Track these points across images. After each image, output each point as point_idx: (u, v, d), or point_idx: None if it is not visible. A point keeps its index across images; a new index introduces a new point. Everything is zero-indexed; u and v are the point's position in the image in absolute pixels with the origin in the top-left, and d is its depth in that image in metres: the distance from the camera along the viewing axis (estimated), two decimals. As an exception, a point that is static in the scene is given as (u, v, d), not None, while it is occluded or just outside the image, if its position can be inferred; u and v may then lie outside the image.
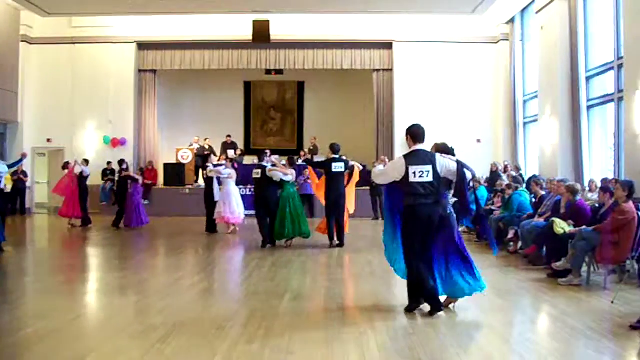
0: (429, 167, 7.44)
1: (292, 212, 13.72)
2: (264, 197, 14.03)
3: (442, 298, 7.68)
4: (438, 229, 7.55)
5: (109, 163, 22.73)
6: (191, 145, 24.11)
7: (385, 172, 7.98)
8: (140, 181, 18.91)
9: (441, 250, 7.69)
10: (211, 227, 16.66)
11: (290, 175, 13.97)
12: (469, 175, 7.65)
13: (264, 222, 13.96)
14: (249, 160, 23.76)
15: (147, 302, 8.58)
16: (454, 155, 7.90)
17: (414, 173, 7.44)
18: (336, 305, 8.09)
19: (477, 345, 6.49)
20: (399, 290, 8.35)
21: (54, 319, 7.24)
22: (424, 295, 7.58)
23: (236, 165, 18.98)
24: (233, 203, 16.43)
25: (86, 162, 19.27)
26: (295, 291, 9.28)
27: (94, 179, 20.94)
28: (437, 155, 7.62)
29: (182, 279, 10.59)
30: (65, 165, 19.43)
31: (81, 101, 23.77)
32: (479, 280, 7.68)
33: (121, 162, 18.86)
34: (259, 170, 14.08)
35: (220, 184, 16.52)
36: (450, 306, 7.77)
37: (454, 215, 7.78)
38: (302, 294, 9.15)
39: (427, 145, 7.78)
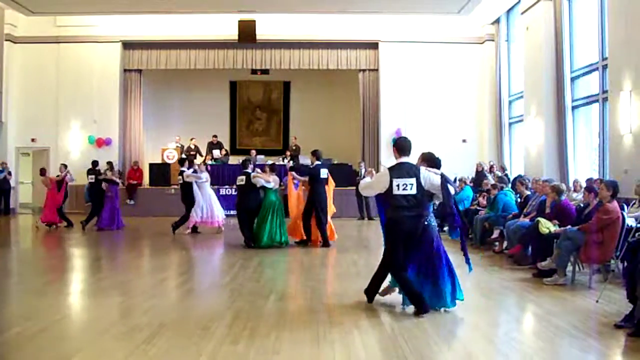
0: (413, 180, 7.55)
1: (271, 222, 13.81)
2: (247, 203, 14.16)
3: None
4: (420, 240, 7.66)
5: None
6: (176, 145, 23.96)
7: (371, 185, 8.14)
8: (119, 184, 18.84)
9: (419, 261, 7.74)
10: (178, 226, 16.52)
11: (272, 182, 14.10)
12: (452, 190, 7.76)
13: (245, 225, 14.09)
14: (234, 160, 23.71)
15: (132, 302, 8.53)
16: (439, 166, 8.00)
17: (398, 186, 7.55)
18: (322, 305, 8.08)
19: (463, 345, 6.51)
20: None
21: (40, 320, 7.20)
22: (410, 299, 7.65)
23: (209, 168, 18.82)
24: (214, 206, 16.60)
25: (65, 167, 19.19)
26: (280, 291, 9.27)
27: (79, 179, 20.75)
28: (422, 168, 7.72)
29: (167, 279, 10.57)
30: (43, 172, 19.18)
31: (66, 101, 23.60)
32: (453, 295, 7.71)
33: (95, 163, 18.59)
34: (243, 177, 14.20)
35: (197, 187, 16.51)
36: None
37: (434, 225, 7.86)
38: (287, 294, 9.15)
39: (414, 156, 7.88)
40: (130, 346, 6.16)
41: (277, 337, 6.46)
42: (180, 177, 16.66)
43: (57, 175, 18.77)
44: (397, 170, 7.65)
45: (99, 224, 17.52)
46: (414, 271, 7.72)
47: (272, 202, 14.00)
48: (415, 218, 7.58)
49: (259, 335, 6.55)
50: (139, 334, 6.54)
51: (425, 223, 7.69)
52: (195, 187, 16.40)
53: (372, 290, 8.11)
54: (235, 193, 15.53)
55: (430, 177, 7.63)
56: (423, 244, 7.70)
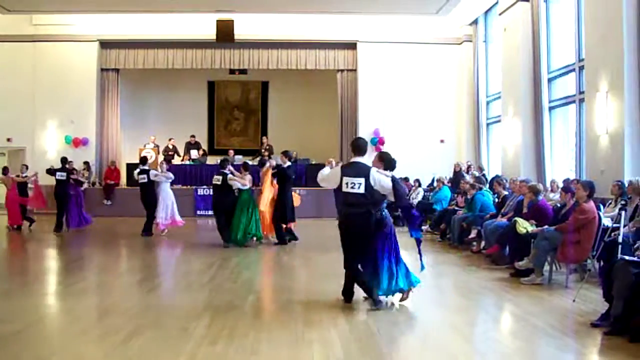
0: (362, 180, 7.81)
1: (245, 221, 14.02)
2: (223, 203, 14.34)
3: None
4: (376, 231, 7.93)
5: (70, 162, 22.33)
6: (152, 145, 23.70)
7: (326, 179, 8.48)
8: (86, 185, 18.73)
9: (383, 250, 8.00)
10: (148, 229, 16.25)
11: (248, 184, 14.37)
12: (402, 192, 8.03)
13: (222, 224, 14.28)
14: (212, 160, 23.59)
15: (109, 303, 8.48)
16: (394, 168, 8.29)
17: (347, 184, 7.89)
18: (300, 305, 8.07)
19: (441, 345, 6.51)
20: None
21: (15, 322, 7.10)
22: (364, 290, 8.03)
23: (169, 167, 18.58)
24: (174, 206, 16.56)
25: (26, 167, 18.98)
26: (258, 291, 9.27)
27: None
28: (373, 169, 7.96)
29: (144, 280, 10.51)
30: (5, 171, 18.71)
31: (42, 100, 23.33)
32: (406, 278, 8.04)
33: (64, 160, 18.23)
34: (220, 177, 14.32)
35: (157, 187, 16.39)
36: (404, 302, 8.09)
37: (388, 218, 8.13)
38: (265, 294, 9.15)
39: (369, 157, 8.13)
40: (107, 348, 6.13)
41: (255, 337, 6.45)
42: (145, 176, 16.25)
43: (17, 175, 18.47)
44: (348, 169, 8.01)
45: (70, 224, 17.30)
46: (380, 261, 7.94)
47: (244, 201, 14.22)
48: (362, 215, 7.83)
49: (237, 335, 6.53)
50: (116, 336, 6.49)
51: (382, 215, 7.98)
52: (163, 186, 16.29)
53: (348, 290, 8.21)
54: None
55: (380, 179, 7.86)
56: (383, 234, 7.98)
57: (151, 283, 10.19)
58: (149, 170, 16.38)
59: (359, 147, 8.17)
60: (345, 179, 7.87)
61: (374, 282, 7.85)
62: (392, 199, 7.91)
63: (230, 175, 14.26)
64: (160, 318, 7.43)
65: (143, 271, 11.57)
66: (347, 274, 8.18)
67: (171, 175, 16.51)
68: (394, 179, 7.91)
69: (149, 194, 16.34)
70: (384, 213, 8.03)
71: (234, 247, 13.64)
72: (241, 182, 14.17)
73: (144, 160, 17.11)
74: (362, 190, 7.78)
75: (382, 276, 7.88)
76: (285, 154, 14.68)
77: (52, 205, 18.67)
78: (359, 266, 8.01)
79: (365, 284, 7.96)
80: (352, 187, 7.83)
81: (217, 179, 14.36)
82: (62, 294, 9.28)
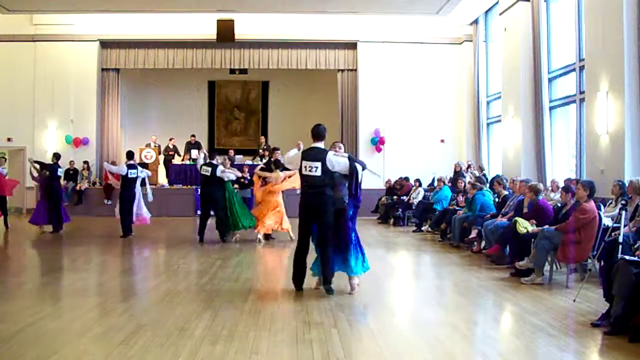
0: (318, 164, 8.60)
1: (241, 209, 14.55)
2: (211, 195, 14.59)
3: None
4: (337, 217, 8.71)
5: (71, 162, 22.38)
6: (153, 145, 23.73)
7: (291, 160, 9.34)
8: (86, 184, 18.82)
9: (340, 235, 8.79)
10: (129, 226, 15.99)
11: (239, 174, 15.09)
12: (359, 167, 8.72)
13: (205, 221, 14.77)
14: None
15: (110, 303, 8.46)
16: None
17: (305, 167, 8.69)
18: (301, 305, 8.07)
19: (441, 344, 6.50)
20: (364, 289, 8.38)
21: (15, 322, 7.10)
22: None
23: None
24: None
25: (5, 160, 18.78)
26: (259, 291, 9.24)
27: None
28: (330, 153, 8.76)
29: (144, 280, 10.52)
30: None
31: (42, 100, 23.36)
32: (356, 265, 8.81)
33: (58, 156, 18.03)
34: (209, 169, 14.52)
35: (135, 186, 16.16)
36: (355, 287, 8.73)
37: (348, 206, 8.83)
38: (266, 294, 9.12)
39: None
40: (108, 347, 6.11)
41: (255, 337, 6.45)
42: (136, 170, 15.93)
43: None
44: (307, 153, 8.78)
45: (64, 220, 17.23)
46: (333, 242, 8.71)
47: (232, 191, 14.77)
48: (316, 195, 8.61)
49: (237, 335, 6.53)
50: (116, 335, 6.49)
51: (344, 204, 8.74)
52: (137, 183, 16.13)
53: (326, 278, 8.79)
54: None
55: (337, 160, 8.66)
56: (342, 220, 8.72)
57: (150, 283, 10.18)
58: (137, 166, 16.23)
59: (317, 133, 8.85)
60: (304, 163, 8.67)
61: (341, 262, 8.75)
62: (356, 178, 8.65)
63: (220, 167, 14.39)
64: (160, 318, 7.41)
65: (143, 271, 11.58)
66: (321, 264, 8.82)
67: (148, 172, 16.71)
68: (350, 157, 8.79)
69: (131, 190, 15.99)
70: (344, 199, 8.75)
71: (234, 247, 13.65)
72: (236, 173, 14.46)
73: (130, 155, 16.62)
74: (318, 173, 8.56)
75: (350, 257, 8.69)
76: (276, 149, 15.38)
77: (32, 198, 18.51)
78: (301, 247, 8.96)
79: (294, 262, 8.99)
80: (310, 170, 8.61)
81: (206, 170, 14.57)
82: (61, 293, 9.27)
